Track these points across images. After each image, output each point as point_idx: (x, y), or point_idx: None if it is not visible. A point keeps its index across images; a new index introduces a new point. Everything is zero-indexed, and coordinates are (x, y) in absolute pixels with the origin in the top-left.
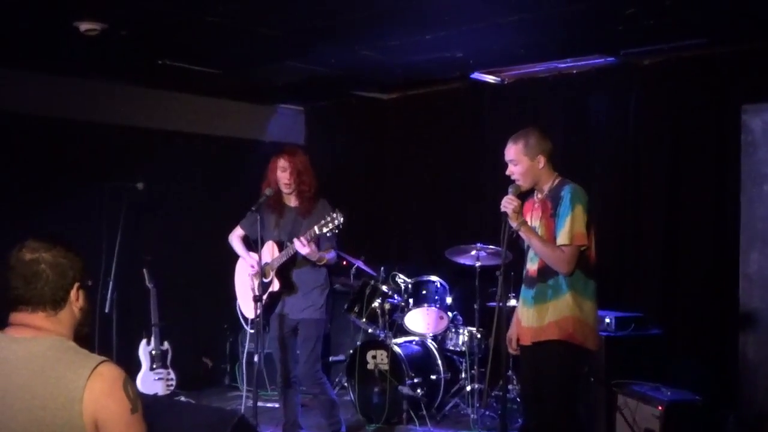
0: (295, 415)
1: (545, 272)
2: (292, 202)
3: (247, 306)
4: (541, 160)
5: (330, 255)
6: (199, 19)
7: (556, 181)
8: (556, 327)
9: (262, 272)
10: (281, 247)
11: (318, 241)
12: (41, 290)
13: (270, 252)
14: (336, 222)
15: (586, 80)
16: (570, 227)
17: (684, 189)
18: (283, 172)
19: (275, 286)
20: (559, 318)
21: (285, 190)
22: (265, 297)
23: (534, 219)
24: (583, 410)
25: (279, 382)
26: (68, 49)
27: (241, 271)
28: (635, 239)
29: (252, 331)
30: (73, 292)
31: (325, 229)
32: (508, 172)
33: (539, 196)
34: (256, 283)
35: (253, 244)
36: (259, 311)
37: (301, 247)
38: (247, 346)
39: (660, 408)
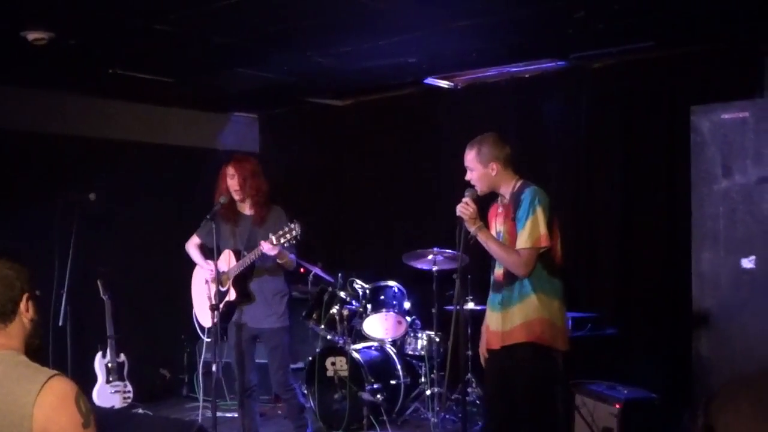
0: (255, 425)
1: (511, 276)
2: (246, 210)
3: (203, 315)
4: (494, 167)
5: (291, 256)
6: (149, 28)
7: (518, 185)
8: (524, 329)
9: (219, 281)
10: (238, 256)
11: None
12: None
13: (227, 261)
14: (294, 233)
15: (538, 83)
16: (531, 230)
17: (636, 189)
18: (231, 179)
19: (231, 295)
20: (527, 320)
21: (236, 197)
22: (221, 306)
23: (498, 224)
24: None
25: (237, 391)
26: (16, 59)
27: (198, 280)
28: (589, 240)
29: (208, 340)
30: (22, 304)
31: (282, 240)
32: (467, 178)
33: (503, 200)
34: (213, 291)
35: (209, 252)
36: (215, 320)
37: (270, 248)
38: (203, 356)
39: (617, 406)
